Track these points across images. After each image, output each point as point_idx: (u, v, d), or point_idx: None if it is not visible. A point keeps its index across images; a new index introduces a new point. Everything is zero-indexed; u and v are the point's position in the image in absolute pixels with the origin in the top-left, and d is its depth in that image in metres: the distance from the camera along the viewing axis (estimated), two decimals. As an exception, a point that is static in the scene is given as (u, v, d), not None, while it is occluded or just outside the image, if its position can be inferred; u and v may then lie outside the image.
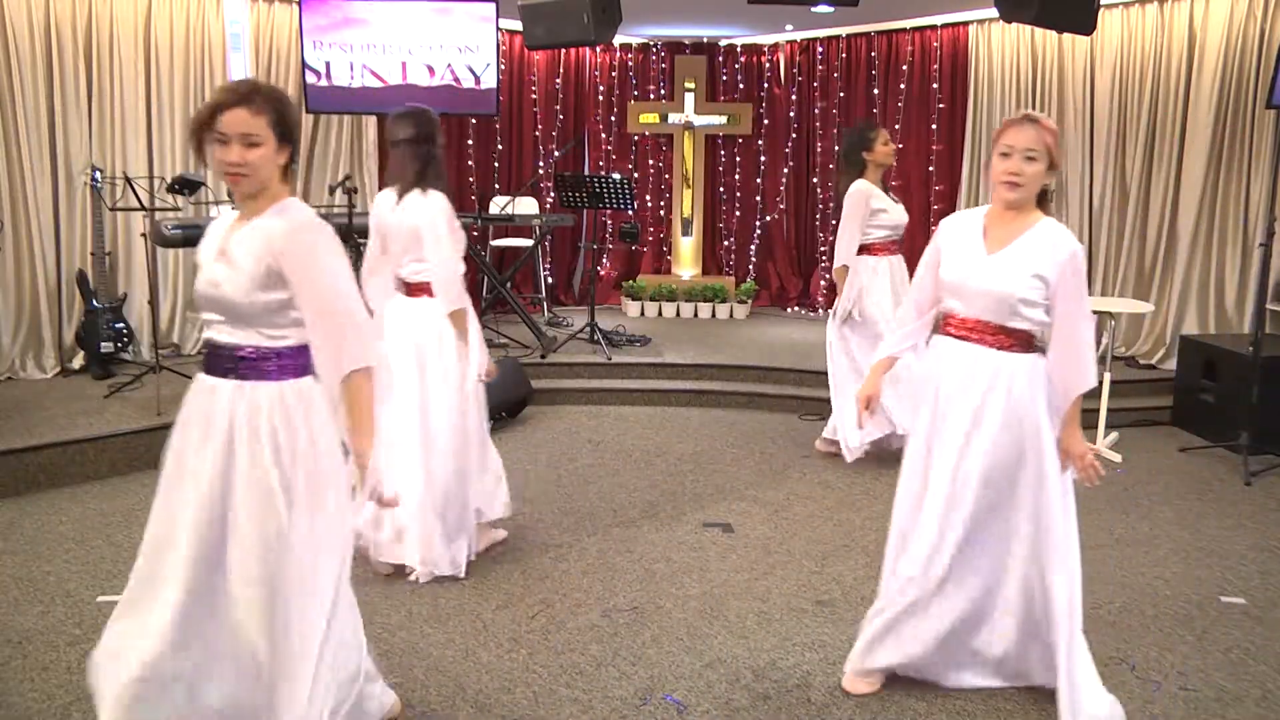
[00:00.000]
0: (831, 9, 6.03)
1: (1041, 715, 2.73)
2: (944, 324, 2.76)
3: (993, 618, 2.77)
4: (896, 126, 7.78)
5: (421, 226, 3.41)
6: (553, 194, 7.98)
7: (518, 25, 6.24)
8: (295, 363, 2.18)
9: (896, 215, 4.80)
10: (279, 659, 2.16)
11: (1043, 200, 2.67)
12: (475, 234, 7.50)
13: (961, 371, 2.66)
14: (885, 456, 4.78)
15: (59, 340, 5.87)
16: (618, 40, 8.01)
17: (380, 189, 3.71)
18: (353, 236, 6.09)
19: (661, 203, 8.77)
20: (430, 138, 3.49)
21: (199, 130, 2.11)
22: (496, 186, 8.13)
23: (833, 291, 8.41)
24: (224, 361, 2.16)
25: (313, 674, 2.17)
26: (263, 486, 2.12)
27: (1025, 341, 2.62)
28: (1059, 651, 2.61)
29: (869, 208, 4.71)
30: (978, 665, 2.83)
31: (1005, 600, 2.74)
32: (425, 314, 3.51)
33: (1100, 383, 5.24)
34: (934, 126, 7.71)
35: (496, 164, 8.27)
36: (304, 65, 6.74)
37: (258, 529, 2.13)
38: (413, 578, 3.50)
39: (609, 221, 8.54)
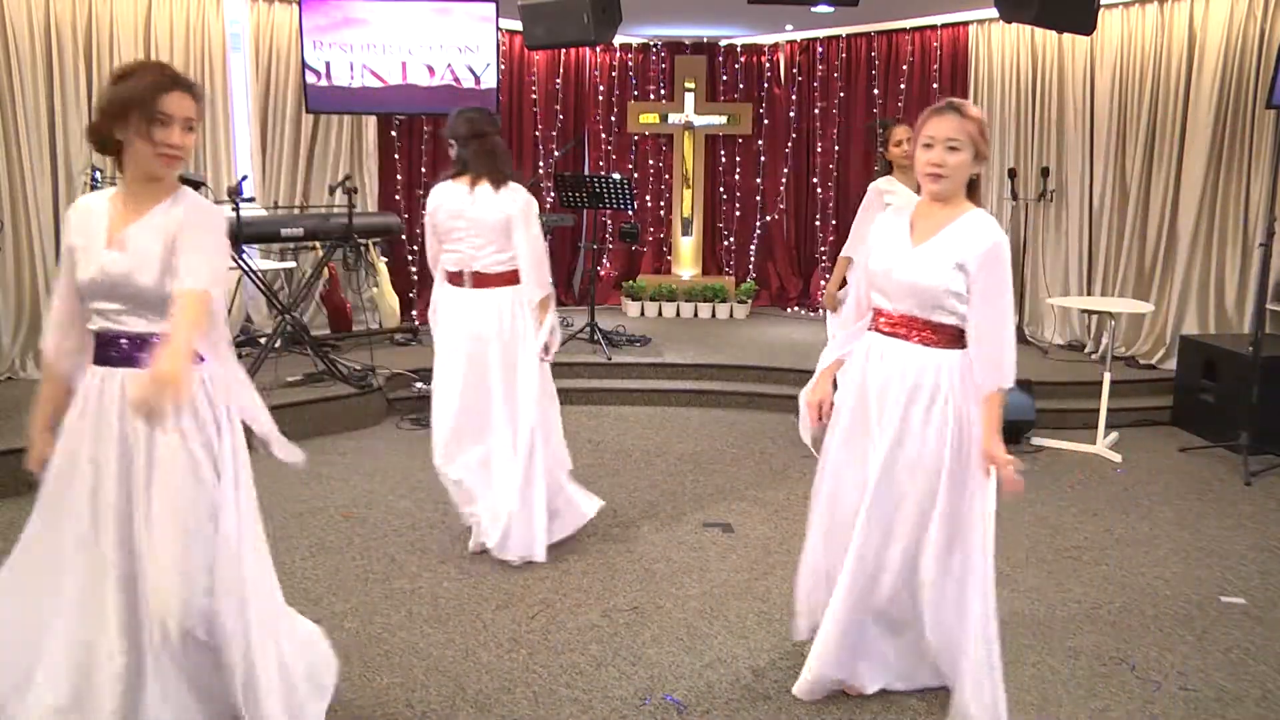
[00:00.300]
0: (831, 9, 6.04)
1: (1041, 714, 2.73)
2: (873, 320, 2.69)
3: (908, 617, 2.70)
4: (896, 126, 7.79)
5: (516, 216, 3.57)
6: (553, 194, 7.98)
7: (518, 25, 6.24)
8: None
9: None
10: (232, 639, 2.20)
11: (973, 191, 2.60)
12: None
13: (890, 369, 2.59)
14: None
15: (59, 340, 5.86)
16: (618, 40, 8.01)
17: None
18: (352, 236, 6.10)
19: (661, 203, 8.78)
20: (499, 134, 3.70)
21: (131, 107, 2.04)
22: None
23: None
24: (134, 349, 2.15)
25: (268, 656, 2.24)
26: (194, 463, 2.15)
27: (953, 337, 2.55)
28: (968, 662, 2.53)
29: (882, 204, 4.73)
30: (892, 667, 2.79)
31: (917, 601, 2.66)
32: (509, 303, 3.64)
33: (1100, 383, 5.25)
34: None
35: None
36: (304, 65, 6.74)
37: (188, 507, 2.14)
38: (514, 560, 3.61)
39: (609, 221, 8.54)
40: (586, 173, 8.32)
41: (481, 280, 3.64)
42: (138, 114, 2.04)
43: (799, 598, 2.87)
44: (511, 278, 3.64)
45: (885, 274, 2.59)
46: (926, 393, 2.54)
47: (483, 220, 3.57)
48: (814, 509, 2.79)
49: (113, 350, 2.17)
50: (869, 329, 2.70)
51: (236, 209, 5.43)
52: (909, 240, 2.58)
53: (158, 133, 2.06)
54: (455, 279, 3.69)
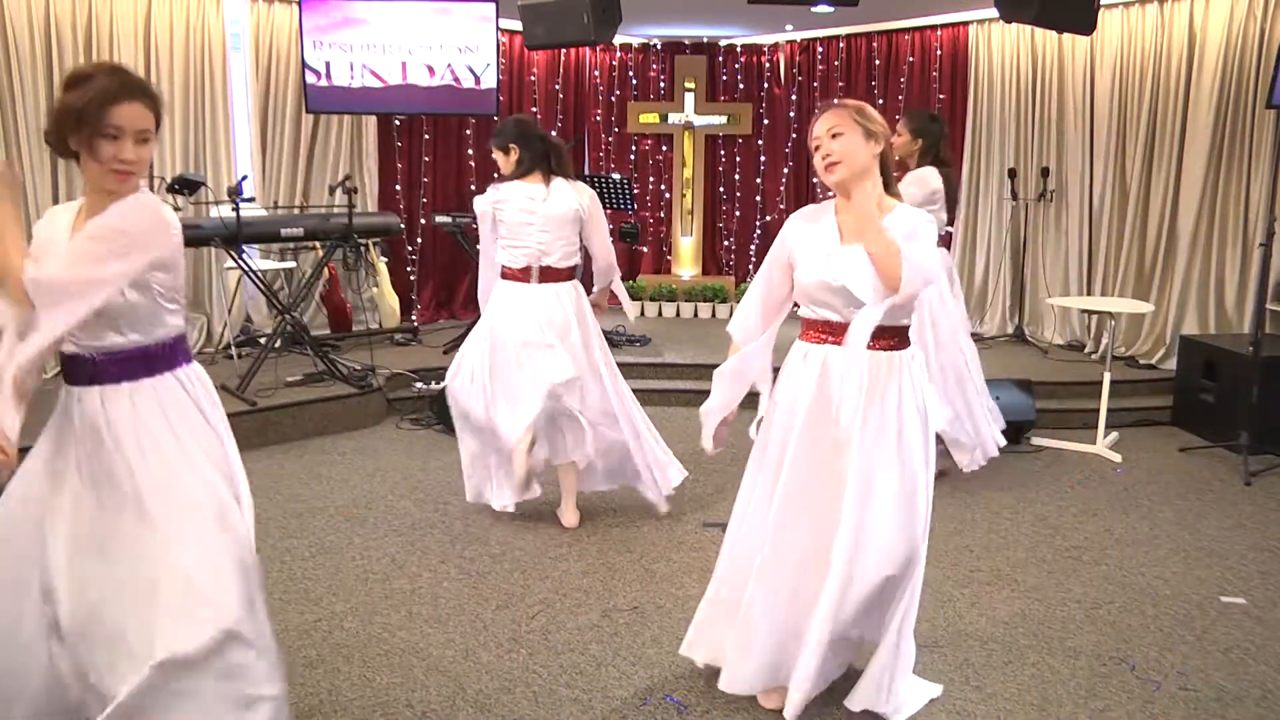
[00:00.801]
0: (831, 9, 6.03)
1: (1041, 714, 2.73)
2: (809, 333, 2.58)
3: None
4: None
5: (590, 207, 3.87)
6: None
7: (518, 25, 6.24)
8: (182, 348, 2.17)
9: None
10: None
11: (889, 185, 2.55)
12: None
13: (859, 381, 2.48)
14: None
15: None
16: (618, 40, 8.01)
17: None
18: (352, 236, 6.10)
19: (661, 203, 8.78)
20: None
21: (79, 120, 1.91)
22: (496, 186, 8.13)
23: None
24: (107, 364, 2.05)
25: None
26: (201, 481, 2.11)
27: (905, 336, 2.55)
28: (880, 648, 2.60)
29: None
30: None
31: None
32: (576, 293, 3.91)
33: (1100, 383, 5.25)
34: (934, 126, 7.70)
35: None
36: (304, 65, 6.74)
37: (187, 533, 2.07)
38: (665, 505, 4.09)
39: (609, 222, 8.53)
40: (586, 173, 8.32)
41: (550, 275, 3.84)
42: (87, 128, 1.91)
43: (703, 631, 2.78)
44: (572, 272, 3.90)
45: (825, 283, 2.50)
46: (894, 397, 2.50)
47: (559, 215, 3.80)
48: (768, 546, 2.62)
49: (82, 368, 2.06)
50: (807, 341, 2.59)
51: (236, 209, 5.43)
52: (838, 243, 2.51)
53: (106, 148, 1.92)
54: (521, 275, 3.84)
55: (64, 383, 2.13)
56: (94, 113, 1.90)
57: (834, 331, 2.54)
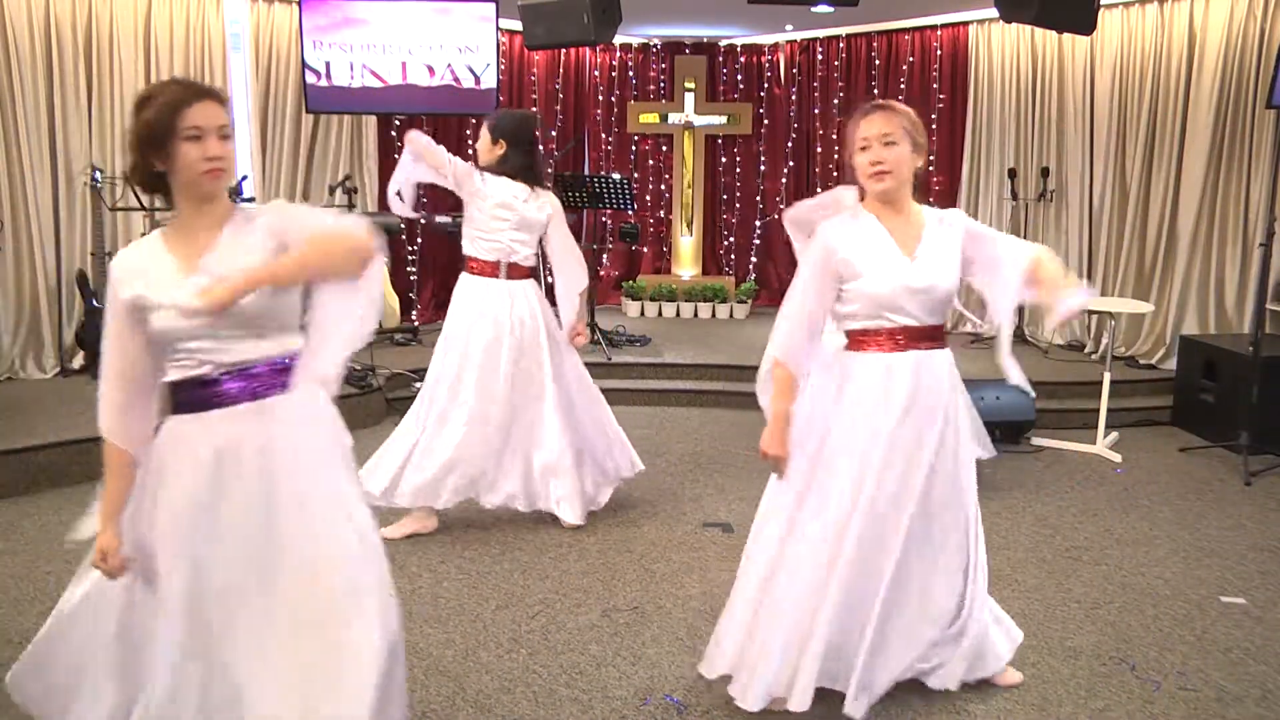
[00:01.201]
0: (831, 9, 6.03)
1: (1041, 714, 2.73)
2: (887, 341, 2.51)
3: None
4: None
5: (556, 216, 3.95)
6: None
7: (518, 25, 6.24)
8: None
9: None
10: None
11: (916, 194, 2.58)
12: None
13: (928, 382, 2.51)
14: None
15: (59, 340, 5.87)
16: (618, 40, 8.00)
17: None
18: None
19: (661, 203, 8.78)
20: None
21: (161, 131, 1.89)
22: (496, 186, 8.12)
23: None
24: (269, 377, 2.04)
25: None
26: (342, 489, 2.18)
27: (944, 333, 2.61)
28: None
29: None
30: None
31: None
32: (539, 290, 4.05)
33: (1100, 383, 5.25)
34: (934, 127, 7.71)
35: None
36: (304, 65, 6.74)
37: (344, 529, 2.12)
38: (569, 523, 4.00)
39: (609, 221, 8.54)
40: (586, 173, 8.32)
41: (517, 272, 3.93)
42: (167, 137, 1.90)
43: (737, 651, 2.65)
44: (533, 271, 4.01)
45: (903, 289, 2.47)
46: (960, 392, 2.60)
47: (534, 220, 3.88)
48: (836, 563, 2.52)
49: (224, 388, 2.00)
50: (882, 351, 2.51)
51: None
52: (901, 253, 2.49)
53: (192, 150, 1.90)
54: (491, 269, 3.90)
55: (173, 415, 2.06)
56: (168, 120, 1.89)
57: (917, 337, 2.51)
